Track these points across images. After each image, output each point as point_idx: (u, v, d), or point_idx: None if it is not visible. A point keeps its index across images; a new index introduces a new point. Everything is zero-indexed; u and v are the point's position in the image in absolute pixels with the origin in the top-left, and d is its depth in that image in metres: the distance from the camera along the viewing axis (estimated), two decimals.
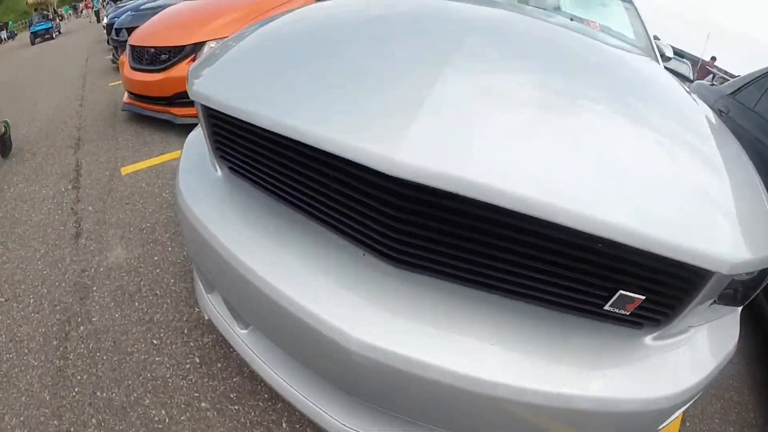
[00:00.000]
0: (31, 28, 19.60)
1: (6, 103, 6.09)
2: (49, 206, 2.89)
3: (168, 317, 1.87)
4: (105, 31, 9.27)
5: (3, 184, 3.35)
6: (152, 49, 3.61)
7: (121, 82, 5.88)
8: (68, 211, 2.80)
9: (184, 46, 3.49)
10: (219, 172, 1.25)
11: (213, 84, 1.10)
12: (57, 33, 19.67)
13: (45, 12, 22.09)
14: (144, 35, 3.87)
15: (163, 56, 3.57)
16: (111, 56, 7.17)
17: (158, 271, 2.16)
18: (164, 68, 3.54)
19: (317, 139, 0.79)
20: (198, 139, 1.47)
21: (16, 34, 21.91)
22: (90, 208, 2.78)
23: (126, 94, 4.12)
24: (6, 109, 5.66)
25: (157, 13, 6.51)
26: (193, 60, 3.42)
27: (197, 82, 1.13)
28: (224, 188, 1.19)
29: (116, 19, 8.62)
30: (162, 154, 3.39)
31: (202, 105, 1.12)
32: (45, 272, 2.26)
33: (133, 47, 3.86)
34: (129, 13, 7.00)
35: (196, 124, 1.50)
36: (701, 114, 1.19)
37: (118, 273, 2.17)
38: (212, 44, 3.44)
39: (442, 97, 0.80)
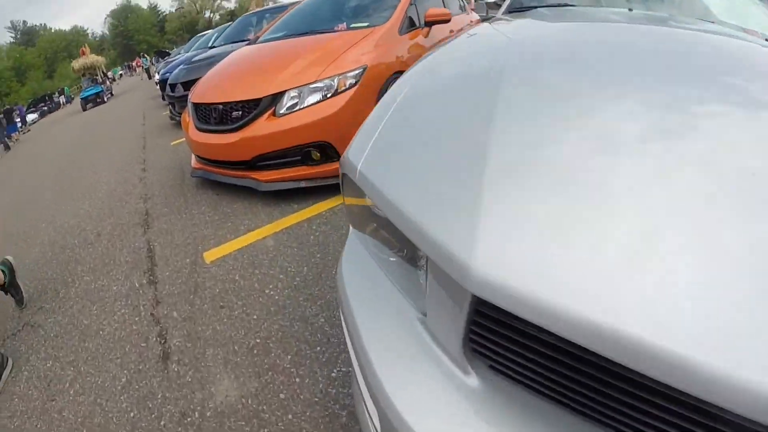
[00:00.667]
0: (81, 93, 19.82)
1: (63, 173, 5.84)
2: (123, 310, 2.33)
3: None
4: (158, 87, 9.18)
5: (66, 275, 2.85)
6: (220, 106, 3.09)
7: (183, 140, 5.63)
8: (147, 317, 2.22)
9: (259, 99, 2.94)
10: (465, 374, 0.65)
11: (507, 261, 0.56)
12: (109, 95, 19.88)
13: (94, 76, 22.30)
14: (207, 91, 3.38)
15: (235, 113, 3.03)
16: (168, 112, 6.91)
17: (290, 417, 1.51)
18: (239, 127, 2.99)
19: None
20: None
21: (72, 98, 22.80)
22: (174, 313, 2.19)
23: (194, 158, 3.62)
24: (62, 178, 5.38)
25: (212, 64, 6.23)
26: (273, 114, 2.87)
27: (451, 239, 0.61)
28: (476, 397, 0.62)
29: (168, 74, 8.52)
30: (249, 230, 2.81)
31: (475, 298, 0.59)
32: (132, 415, 1.68)
33: (196, 106, 3.36)
34: (182, 67, 6.76)
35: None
36: None
37: (234, 421, 1.54)
38: (293, 93, 2.88)
39: None
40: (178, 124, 6.36)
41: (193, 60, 6.83)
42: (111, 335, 2.17)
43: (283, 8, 7.25)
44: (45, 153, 9.69)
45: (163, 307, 2.26)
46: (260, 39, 4.32)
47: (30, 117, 24.70)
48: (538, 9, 1.78)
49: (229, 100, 3.04)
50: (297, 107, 2.86)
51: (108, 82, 22.91)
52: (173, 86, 6.39)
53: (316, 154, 2.91)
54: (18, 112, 22.06)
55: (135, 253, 2.88)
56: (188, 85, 6.15)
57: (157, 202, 3.64)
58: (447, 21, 3.94)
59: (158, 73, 10.16)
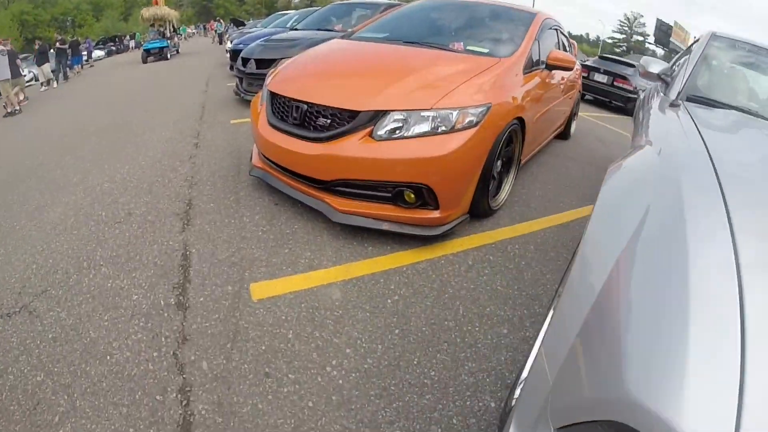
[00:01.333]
0: (144, 44, 19.10)
1: (111, 124, 5.49)
2: (141, 334, 1.87)
3: None
4: (228, 56, 8.89)
5: (82, 257, 2.41)
6: (304, 106, 2.60)
7: (246, 120, 5.20)
8: (169, 357, 1.74)
9: (357, 112, 2.42)
10: None
11: None
12: (174, 52, 19.13)
13: (162, 29, 20.62)
14: (291, 82, 2.90)
15: (321, 119, 2.54)
16: (234, 86, 6.54)
17: None
18: (324, 139, 2.48)
19: None
20: None
21: (141, 44, 22.60)
22: (204, 364, 1.70)
23: (256, 154, 3.15)
24: (108, 130, 5.01)
25: (293, 48, 5.82)
26: (370, 134, 2.39)
27: None
28: None
29: (242, 45, 8.20)
30: (311, 267, 2.32)
31: None
32: None
33: (273, 95, 2.87)
34: (259, 42, 6.40)
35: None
36: None
37: None
38: (398, 115, 2.40)
39: None
40: (242, 101, 6.00)
41: (272, 38, 6.47)
42: (120, 367, 1.71)
43: (379, 5, 6.88)
44: (98, 95, 9.50)
45: (191, 350, 1.77)
46: (356, 35, 3.87)
47: (96, 53, 25.10)
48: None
49: (318, 102, 2.55)
50: (400, 133, 2.38)
51: (176, 39, 21.62)
52: (245, 60, 6.02)
53: (410, 196, 2.41)
54: (87, 45, 22.35)
55: (167, 256, 2.41)
56: (262, 63, 5.78)
57: (203, 192, 3.18)
58: (570, 69, 3.51)
59: (230, 41, 9.90)
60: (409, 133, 2.36)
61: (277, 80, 2.99)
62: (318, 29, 6.64)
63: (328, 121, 2.51)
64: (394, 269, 2.32)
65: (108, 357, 1.75)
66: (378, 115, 2.41)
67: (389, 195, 2.43)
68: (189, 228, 2.68)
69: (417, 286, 2.21)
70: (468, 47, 3.29)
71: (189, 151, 4.12)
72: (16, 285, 2.25)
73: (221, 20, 32.34)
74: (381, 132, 2.38)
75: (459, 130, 2.39)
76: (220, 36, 25.36)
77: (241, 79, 6.17)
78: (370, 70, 2.96)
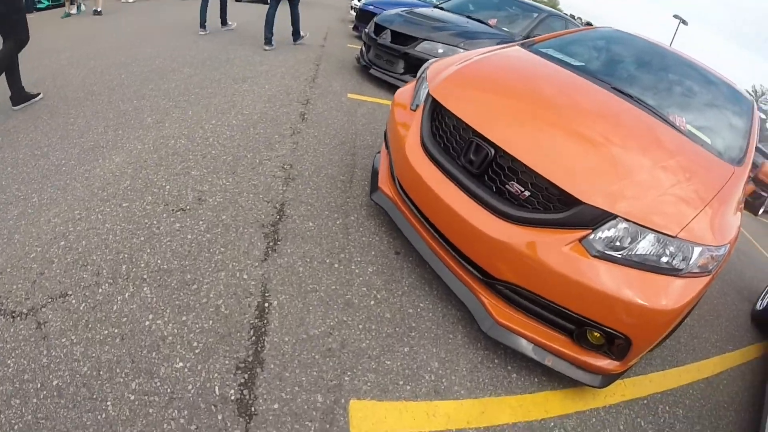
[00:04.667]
0: None
1: (213, 62, 4.94)
2: None
3: None
4: (352, 12, 8.22)
5: (124, 258, 1.77)
6: (492, 150, 1.79)
7: (364, 98, 4.57)
8: None
9: (580, 204, 1.63)
10: None
11: None
12: None
13: None
14: (477, 101, 2.10)
15: (517, 185, 1.75)
16: (359, 52, 5.87)
17: None
18: (517, 219, 1.70)
19: None
20: None
21: None
22: None
23: (386, 173, 2.41)
24: (208, 71, 4.44)
25: (443, 30, 4.99)
26: (583, 241, 1.61)
27: None
28: None
29: (372, 7, 7.51)
30: (437, 393, 1.63)
31: None
32: None
33: (438, 107, 2.10)
34: (400, 12, 5.66)
35: None
36: None
37: None
38: (624, 226, 1.60)
39: None
40: (364, 72, 5.34)
41: (415, 11, 5.71)
42: None
43: (531, 8, 6.05)
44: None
45: None
46: (539, 48, 3.04)
47: None
48: None
49: (521, 159, 1.73)
50: (620, 252, 1.60)
51: None
52: (379, 28, 5.31)
53: (596, 337, 1.68)
54: None
55: (235, 301, 1.74)
56: (398, 37, 5.06)
57: (301, 197, 2.50)
58: None
59: None
60: (632, 255, 1.58)
61: (450, 87, 2.18)
62: (468, 16, 5.85)
63: (526, 193, 1.73)
64: (539, 422, 1.68)
65: None
66: (606, 217, 1.61)
67: (571, 326, 1.68)
68: (273, 257, 2.00)
69: None
70: (689, 126, 2.43)
71: (293, 122, 3.46)
72: (34, 267, 1.71)
73: None
74: (598, 245, 1.60)
75: (694, 275, 1.63)
76: None
77: (368, 47, 5.48)
78: (596, 130, 2.08)
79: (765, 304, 3.93)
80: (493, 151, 1.79)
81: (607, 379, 1.81)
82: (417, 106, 2.26)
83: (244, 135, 3.06)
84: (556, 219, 1.64)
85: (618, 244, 1.60)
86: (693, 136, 2.35)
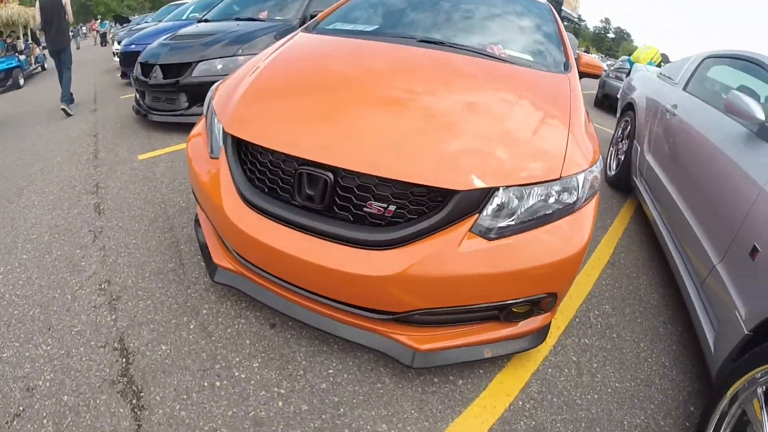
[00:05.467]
0: None
1: None
2: None
3: None
4: (116, 59, 7.45)
5: None
6: (331, 175, 1.54)
7: (156, 153, 4.08)
8: None
9: (454, 193, 1.47)
10: None
11: None
12: (39, 69, 13.15)
13: (13, 39, 13.33)
14: (282, 119, 1.78)
15: (375, 203, 1.54)
16: (134, 101, 5.23)
17: None
18: (391, 242, 1.48)
19: None
20: None
21: None
22: None
23: (217, 244, 2.06)
24: None
25: (216, 44, 4.52)
26: (474, 230, 1.51)
27: None
28: None
29: (135, 47, 6.76)
30: None
31: None
32: None
33: (242, 145, 1.80)
34: (163, 41, 5.14)
35: None
36: None
37: None
38: (509, 193, 1.52)
39: None
40: (147, 123, 4.76)
41: (179, 34, 5.21)
42: None
43: None
44: None
45: None
46: (326, 27, 2.86)
47: None
48: None
49: (369, 171, 1.50)
50: (509, 222, 1.52)
51: (37, 50, 13.65)
52: (147, 67, 4.75)
53: (521, 308, 1.67)
54: None
55: None
56: (171, 70, 4.55)
57: (134, 315, 2.07)
58: (597, 77, 2.99)
59: (117, 42, 8.32)
60: (520, 219, 1.52)
61: (246, 113, 1.85)
62: (237, 19, 5.51)
63: (391, 207, 1.52)
64: (508, 411, 1.72)
65: None
66: (485, 195, 1.49)
67: (496, 313, 1.66)
68: (146, 417, 1.60)
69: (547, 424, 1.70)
70: (510, 53, 2.50)
71: (90, 223, 2.91)
72: None
73: (103, 18, 29.69)
74: (487, 223, 1.48)
75: (587, 200, 1.66)
76: (103, 36, 23.23)
77: (143, 93, 4.89)
78: (430, 99, 1.93)
79: (615, 168, 4.31)
80: (331, 176, 1.53)
81: (544, 331, 1.88)
82: (219, 149, 1.88)
83: (41, 269, 2.45)
84: (438, 221, 1.47)
85: (509, 209, 1.50)
86: (517, 60, 2.40)
